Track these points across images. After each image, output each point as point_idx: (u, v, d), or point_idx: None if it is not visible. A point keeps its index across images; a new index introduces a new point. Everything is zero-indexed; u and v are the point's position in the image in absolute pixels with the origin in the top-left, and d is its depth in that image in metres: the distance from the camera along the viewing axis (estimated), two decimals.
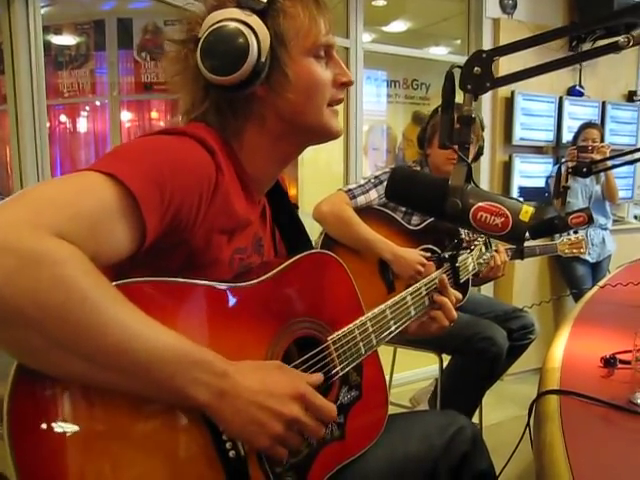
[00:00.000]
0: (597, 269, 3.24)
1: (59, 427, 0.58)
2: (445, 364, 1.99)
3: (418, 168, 2.01)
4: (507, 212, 0.75)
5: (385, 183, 1.86)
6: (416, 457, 0.98)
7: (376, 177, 1.91)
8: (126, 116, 4.46)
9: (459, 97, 0.79)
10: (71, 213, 0.59)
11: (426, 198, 0.80)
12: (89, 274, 0.58)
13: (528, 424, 0.99)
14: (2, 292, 0.52)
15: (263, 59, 0.80)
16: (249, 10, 0.80)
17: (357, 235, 1.79)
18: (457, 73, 0.80)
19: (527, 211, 0.75)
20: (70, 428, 0.59)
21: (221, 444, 0.69)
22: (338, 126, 0.91)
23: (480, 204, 0.76)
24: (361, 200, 1.85)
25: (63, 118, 4.55)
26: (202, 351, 0.65)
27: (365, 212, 1.86)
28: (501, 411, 2.71)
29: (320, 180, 3.93)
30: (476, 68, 0.75)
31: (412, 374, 3.07)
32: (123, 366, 0.59)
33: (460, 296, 1.13)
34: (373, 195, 1.87)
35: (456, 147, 0.78)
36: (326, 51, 0.87)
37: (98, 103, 4.51)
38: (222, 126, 0.85)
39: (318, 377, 0.78)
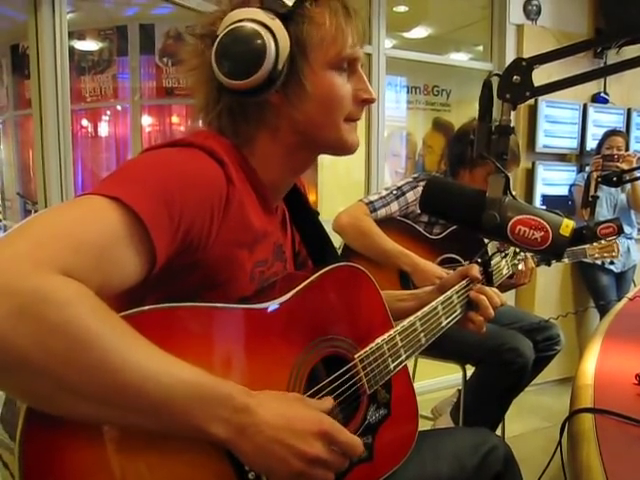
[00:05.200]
0: (622, 279, 3.19)
1: (76, 467, 0.56)
2: (469, 375, 1.96)
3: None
4: (547, 226, 0.72)
5: (407, 195, 1.85)
6: (447, 478, 0.95)
7: (398, 188, 1.87)
8: (147, 121, 4.50)
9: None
10: (75, 244, 0.56)
11: (462, 211, 0.78)
12: (96, 313, 0.54)
13: (560, 443, 0.95)
14: (5, 337, 0.49)
15: (280, 67, 0.75)
16: (272, 13, 0.76)
17: (377, 246, 1.77)
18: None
19: (568, 225, 0.72)
20: (88, 467, 0.57)
21: (244, 474, 0.67)
22: (354, 141, 0.87)
23: (519, 217, 0.74)
24: (381, 213, 1.82)
25: (85, 122, 4.60)
26: (221, 385, 0.62)
27: (386, 223, 1.83)
28: (522, 423, 2.66)
29: (340, 186, 3.91)
30: (515, 77, 0.73)
31: (433, 383, 3.03)
32: (137, 406, 0.57)
33: (504, 298, 1.09)
34: (394, 207, 1.84)
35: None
36: (350, 64, 0.83)
37: (119, 108, 4.56)
38: (234, 131, 0.82)
39: (329, 402, 0.74)
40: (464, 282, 1.08)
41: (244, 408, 0.63)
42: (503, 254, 1.46)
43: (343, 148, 0.87)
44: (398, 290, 1.80)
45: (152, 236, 0.62)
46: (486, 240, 1.78)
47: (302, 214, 0.99)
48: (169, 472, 0.62)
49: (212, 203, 0.71)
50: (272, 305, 0.76)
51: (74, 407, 0.54)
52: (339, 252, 1.81)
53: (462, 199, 0.79)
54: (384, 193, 1.87)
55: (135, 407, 0.57)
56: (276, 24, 0.75)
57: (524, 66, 0.73)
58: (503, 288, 1.92)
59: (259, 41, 0.74)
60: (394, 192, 1.86)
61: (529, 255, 1.84)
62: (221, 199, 0.73)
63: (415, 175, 1.96)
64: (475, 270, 1.09)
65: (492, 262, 1.23)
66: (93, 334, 0.53)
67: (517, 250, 1.53)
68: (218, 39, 0.76)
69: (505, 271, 1.45)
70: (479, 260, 1.16)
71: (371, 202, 1.83)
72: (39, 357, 0.51)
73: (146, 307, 0.62)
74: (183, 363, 0.60)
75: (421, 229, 1.92)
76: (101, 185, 0.64)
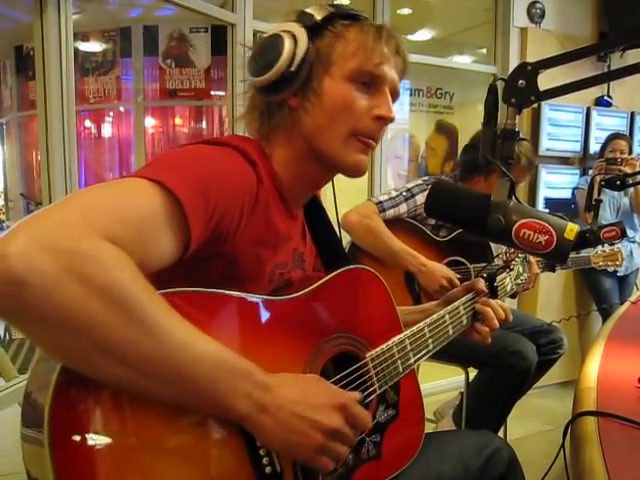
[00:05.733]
0: (624, 283, 3.18)
1: (98, 436, 0.57)
2: (471, 378, 1.96)
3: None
4: (551, 230, 0.73)
5: (417, 197, 1.85)
6: (451, 479, 0.96)
7: (408, 190, 1.88)
8: (150, 122, 4.51)
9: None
10: (120, 218, 0.59)
11: (467, 214, 0.79)
12: (138, 281, 0.57)
13: (563, 445, 0.95)
14: (53, 294, 0.51)
15: (294, 68, 0.81)
16: (302, 25, 0.83)
17: (385, 246, 1.78)
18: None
19: (572, 229, 0.73)
20: (109, 437, 0.58)
21: (257, 459, 0.69)
22: (357, 161, 0.85)
23: (523, 221, 0.74)
24: (390, 213, 1.83)
25: (88, 123, 4.62)
26: (244, 362, 0.65)
27: (393, 223, 1.84)
28: (524, 426, 2.66)
29: (343, 187, 3.91)
30: (520, 81, 0.73)
31: (435, 385, 3.03)
32: (168, 373, 0.59)
33: (510, 314, 1.11)
34: (403, 209, 1.85)
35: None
36: (374, 81, 0.84)
37: (123, 109, 4.57)
38: (258, 128, 0.88)
39: (356, 395, 0.76)
40: (470, 295, 1.11)
41: (264, 384, 0.65)
42: (508, 270, 1.47)
43: (342, 166, 0.86)
44: (403, 290, 1.82)
45: (189, 222, 0.65)
46: (492, 244, 1.78)
47: (319, 226, 1.01)
48: (185, 453, 0.63)
49: (243, 199, 0.75)
50: (289, 300, 0.79)
51: (109, 369, 0.56)
52: (347, 251, 1.82)
53: (467, 203, 0.80)
54: (394, 194, 1.87)
55: (164, 374, 0.58)
56: (300, 32, 0.82)
57: (529, 70, 0.74)
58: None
59: (279, 43, 0.81)
60: (404, 194, 1.87)
61: (533, 260, 1.84)
62: (251, 196, 0.76)
63: (425, 178, 1.97)
64: (481, 283, 1.12)
65: (498, 277, 1.24)
66: (136, 299, 0.56)
67: (521, 270, 1.54)
68: (253, 46, 0.86)
69: (509, 288, 1.46)
70: (485, 275, 1.18)
71: (380, 202, 1.83)
72: (84, 314, 0.53)
73: (172, 289, 0.65)
74: (209, 338, 0.62)
75: (428, 231, 1.92)
76: (143, 170, 0.67)
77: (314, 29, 0.83)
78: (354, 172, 0.87)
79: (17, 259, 0.50)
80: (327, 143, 0.84)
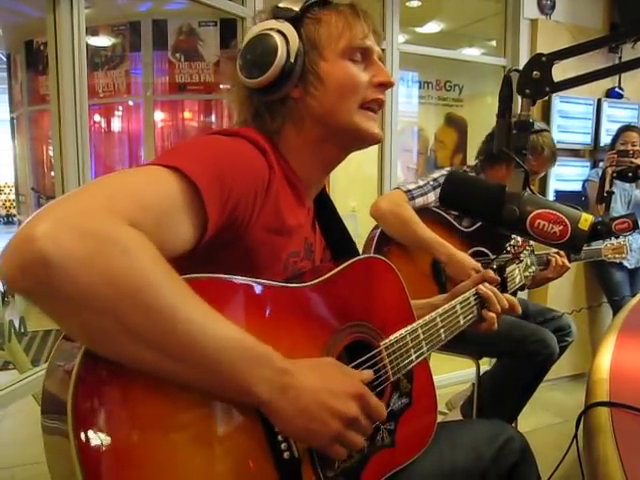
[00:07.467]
0: (635, 276, 3.16)
1: (122, 422, 0.58)
2: (482, 370, 1.96)
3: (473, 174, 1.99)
4: (566, 220, 0.73)
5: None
6: (464, 467, 0.97)
7: (435, 179, 1.89)
8: (159, 116, 4.53)
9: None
10: (142, 203, 0.61)
11: (482, 205, 0.79)
12: (160, 265, 0.58)
13: (576, 435, 0.96)
14: (79, 275, 0.52)
15: (292, 60, 0.84)
16: (282, 19, 0.86)
17: (415, 235, 1.77)
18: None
19: (586, 219, 0.73)
20: (132, 423, 0.59)
21: (276, 445, 0.70)
22: (373, 129, 0.89)
23: (538, 211, 0.75)
24: (419, 201, 1.84)
25: (98, 118, 4.64)
26: (265, 347, 0.65)
27: (419, 211, 1.84)
28: (534, 418, 2.66)
29: (352, 180, 3.91)
30: (535, 72, 0.74)
31: (447, 378, 3.03)
32: (190, 357, 0.59)
33: (516, 304, 1.11)
34: (431, 198, 1.86)
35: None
36: (364, 54, 0.89)
37: (132, 103, 4.59)
38: (261, 128, 0.88)
39: (369, 374, 0.78)
40: (481, 285, 1.11)
41: (285, 370, 0.66)
42: (518, 262, 1.46)
43: (361, 136, 0.89)
44: (430, 280, 1.83)
45: (206, 207, 0.66)
46: (512, 237, 1.78)
47: (328, 219, 1.02)
48: (206, 439, 0.64)
49: (257, 185, 0.77)
50: (307, 286, 0.80)
51: (133, 351, 0.57)
52: (375, 238, 1.84)
53: (482, 193, 0.80)
54: (421, 183, 1.88)
55: (187, 357, 0.59)
56: (285, 26, 0.85)
57: (544, 62, 0.74)
58: (537, 283, 1.92)
59: (270, 41, 0.84)
60: (431, 183, 1.88)
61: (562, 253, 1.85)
62: (264, 182, 0.78)
63: (448, 168, 1.99)
64: (492, 273, 1.14)
65: (507, 269, 1.24)
66: (159, 282, 0.57)
67: (529, 262, 1.53)
68: (240, 52, 0.88)
69: (517, 280, 1.46)
70: (494, 266, 1.18)
71: (409, 190, 1.84)
72: (109, 296, 0.54)
73: (192, 275, 0.65)
74: (230, 323, 0.63)
75: (452, 219, 1.93)
76: (159, 158, 0.68)
77: (295, 20, 0.86)
78: (372, 139, 0.91)
79: (46, 241, 0.51)
80: (343, 118, 0.87)
